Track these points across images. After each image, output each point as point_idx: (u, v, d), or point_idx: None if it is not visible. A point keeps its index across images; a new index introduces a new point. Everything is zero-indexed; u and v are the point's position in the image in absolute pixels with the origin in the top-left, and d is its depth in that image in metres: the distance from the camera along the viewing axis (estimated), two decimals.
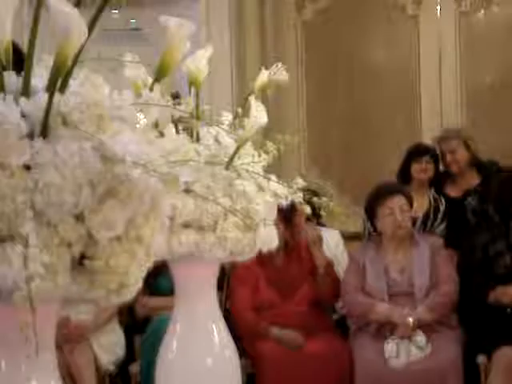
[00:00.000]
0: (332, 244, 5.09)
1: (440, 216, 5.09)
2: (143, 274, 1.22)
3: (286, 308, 4.62)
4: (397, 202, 4.61)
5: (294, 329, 4.56)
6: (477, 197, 5.02)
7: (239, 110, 1.85)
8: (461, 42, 6.22)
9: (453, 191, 5.21)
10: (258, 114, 1.84)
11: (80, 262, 1.16)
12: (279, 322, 4.55)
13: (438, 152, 5.26)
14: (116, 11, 5.94)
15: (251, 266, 4.48)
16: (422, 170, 5.15)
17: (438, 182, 5.23)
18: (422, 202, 5.00)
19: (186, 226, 1.72)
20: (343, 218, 5.56)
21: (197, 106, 1.72)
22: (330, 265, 4.72)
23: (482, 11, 6.23)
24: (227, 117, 1.82)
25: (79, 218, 1.14)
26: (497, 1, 6.19)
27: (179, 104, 1.47)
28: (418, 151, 5.20)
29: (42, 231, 1.11)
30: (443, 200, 5.13)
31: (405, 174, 5.18)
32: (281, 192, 1.77)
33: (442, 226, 5.07)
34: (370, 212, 4.72)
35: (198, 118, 1.43)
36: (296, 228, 4.75)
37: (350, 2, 6.32)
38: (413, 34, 6.29)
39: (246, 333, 4.48)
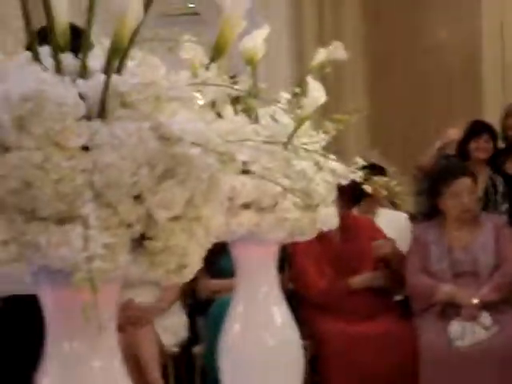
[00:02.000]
0: (399, 226, 5.05)
1: (500, 195, 4.99)
2: (203, 254, 1.22)
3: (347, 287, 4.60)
4: (464, 184, 4.52)
5: (356, 310, 4.54)
6: None
7: (297, 89, 1.84)
8: None
9: None
10: (317, 93, 1.82)
11: (140, 243, 1.16)
12: (340, 301, 4.54)
13: (500, 128, 5.16)
14: None
15: (312, 244, 4.47)
16: (480, 148, 5.05)
17: (496, 159, 5.13)
18: (479, 181, 4.91)
19: (246, 206, 1.71)
20: (404, 198, 5.49)
21: (254, 85, 1.71)
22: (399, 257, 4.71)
23: None
24: (285, 96, 1.80)
25: (138, 198, 1.14)
26: None
27: (236, 83, 1.46)
28: (476, 129, 5.10)
29: (101, 212, 1.11)
30: (500, 179, 5.03)
31: (463, 152, 5.09)
32: (340, 171, 1.75)
33: (506, 205, 4.98)
34: (434, 191, 4.63)
35: (255, 96, 1.42)
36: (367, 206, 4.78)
37: None
38: (475, 9, 6.18)
39: (318, 304, 4.51)
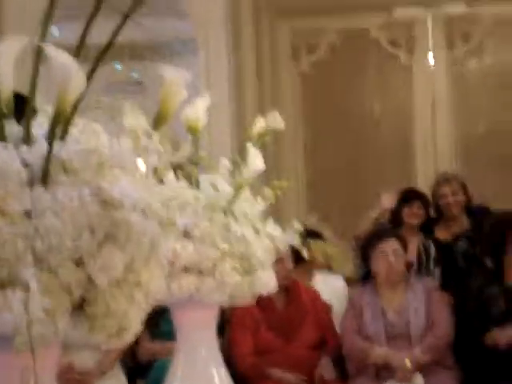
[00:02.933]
0: (336, 290, 5.09)
1: (432, 260, 5.10)
2: (143, 317, 1.24)
3: (287, 351, 4.59)
4: (390, 245, 4.65)
5: (295, 372, 4.54)
6: (467, 241, 5.06)
7: (237, 156, 1.88)
8: (453, 91, 6.31)
9: (443, 235, 5.23)
10: (256, 161, 1.87)
11: (80, 307, 1.17)
12: (280, 366, 4.53)
13: (431, 196, 5.30)
14: (118, 66, 6.04)
15: (251, 310, 4.49)
16: (413, 214, 5.19)
17: (428, 226, 5.25)
18: (411, 247, 5.02)
19: (186, 270, 1.74)
20: (342, 263, 5.55)
21: (195, 153, 1.75)
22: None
23: (475, 60, 6.31)
24: (225, 163, 1.85)
25: (79, 262, 1.15)
26: (488, 50, 6.28)
27: (177, 150, 1.49)
28: (409, 196, 5.24)
29: (42, 276, 1.13)
30: (432, 245, 5.14)
31: (396, 218, 5.21)
32: (278, 236, 1.78)
33: (438, 271, 5.09)
34: (365, 255, 4.75)
35: (195, 163, 1.45)
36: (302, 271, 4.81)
37: (344, 54, 6.42)
38: (406, 83, 6.38)
39: (247, 377, 4.47)
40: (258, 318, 4.62)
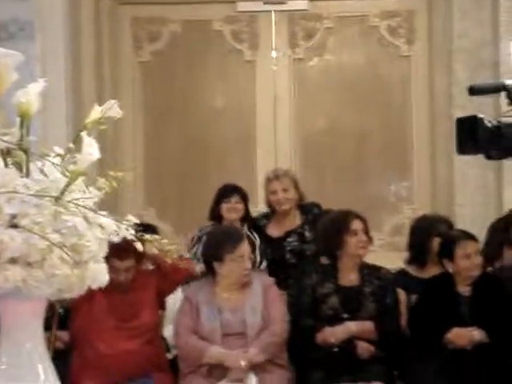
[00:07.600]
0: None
1: (258, 251, 5.16)
2: None
3: (122, 339, 4.53)
4: (245, 248, 4.64)
5: (125, 368, 4.47)
6: (297, 237, 5.17)
7: (71, 145, 1.83)
8: (295, 88, 6.42)
9: (275, 232, 5.31)
10: (90, 150, 1.82)
11: None
12: (104, 363, 4.46)
13: (265, 192, 5.37)
14: None
15: (96, 297, 4.41)
16: (230, 209, 5.23)
17: (252, 221, 5.31)
18: None
19: (13, 261, 1.67)
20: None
21: (23, 138, 1.68)
22: None
23: (316, 58, 6.46)
24: (56, 150, 1.79)
25: None
26: (329, 49, 6.44)
27: (6, 135, 1.43)
28: (226, 191, 5.29)
29: None
30: (256, 235, 5.20)
31: (214, 214, 5.25)
32: (109, 227, 1.75)
33: (264, 264, 5.14)
34: (213, 256, 4.65)
35: (23, 149, 1.39)
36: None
37: (186, 44, 6.40)
38: (249, 78, 6.44)
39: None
40: (97, 298, 4.50)
